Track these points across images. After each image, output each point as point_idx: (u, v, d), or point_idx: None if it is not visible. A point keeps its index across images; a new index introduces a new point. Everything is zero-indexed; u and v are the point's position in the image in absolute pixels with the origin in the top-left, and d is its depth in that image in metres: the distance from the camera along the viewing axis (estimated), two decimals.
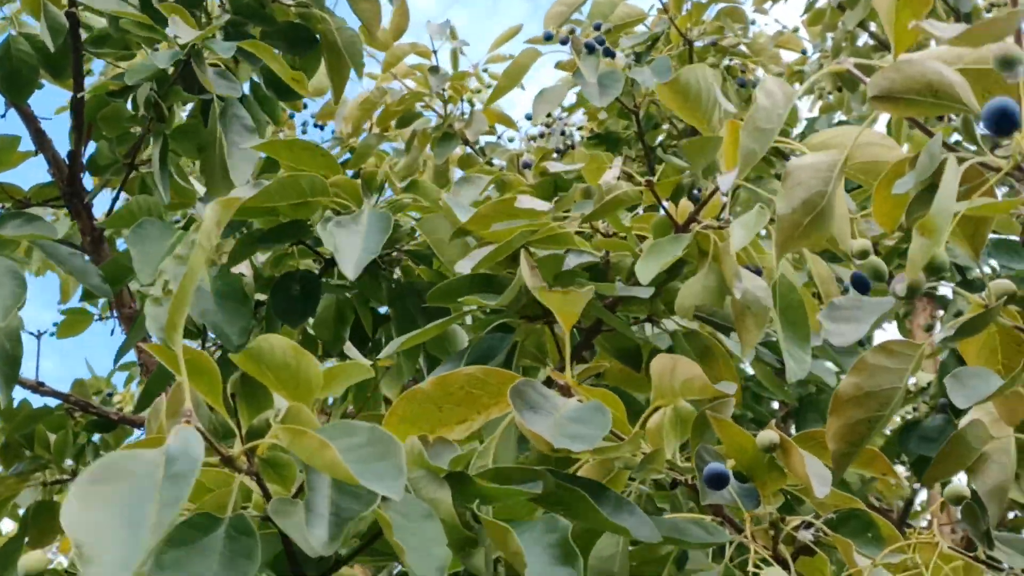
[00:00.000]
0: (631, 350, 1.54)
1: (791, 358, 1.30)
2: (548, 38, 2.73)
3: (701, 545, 1.09)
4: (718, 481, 1.05)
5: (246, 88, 2.24)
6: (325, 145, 4.13)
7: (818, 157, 0.96)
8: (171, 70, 1.95)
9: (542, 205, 1.47)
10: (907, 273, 0.81)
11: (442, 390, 1.11)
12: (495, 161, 3.30)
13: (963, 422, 1.02)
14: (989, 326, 1.00)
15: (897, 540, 1.08)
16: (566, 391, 1.13)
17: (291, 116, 4.13)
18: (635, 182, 1.43)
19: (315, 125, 4.11)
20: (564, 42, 2.72)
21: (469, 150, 3.25)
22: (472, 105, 3.14)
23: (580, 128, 3.36)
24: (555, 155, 3.21)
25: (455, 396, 1.11)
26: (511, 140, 3.62)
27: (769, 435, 1.06)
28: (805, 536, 1.12)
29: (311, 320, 1.92)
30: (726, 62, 3.10)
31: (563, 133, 3.24)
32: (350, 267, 1.49)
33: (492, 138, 3.40)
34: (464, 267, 1.46)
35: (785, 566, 1.11)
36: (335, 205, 1.64)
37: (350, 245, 1.49)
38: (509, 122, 3.27)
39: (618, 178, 1.53)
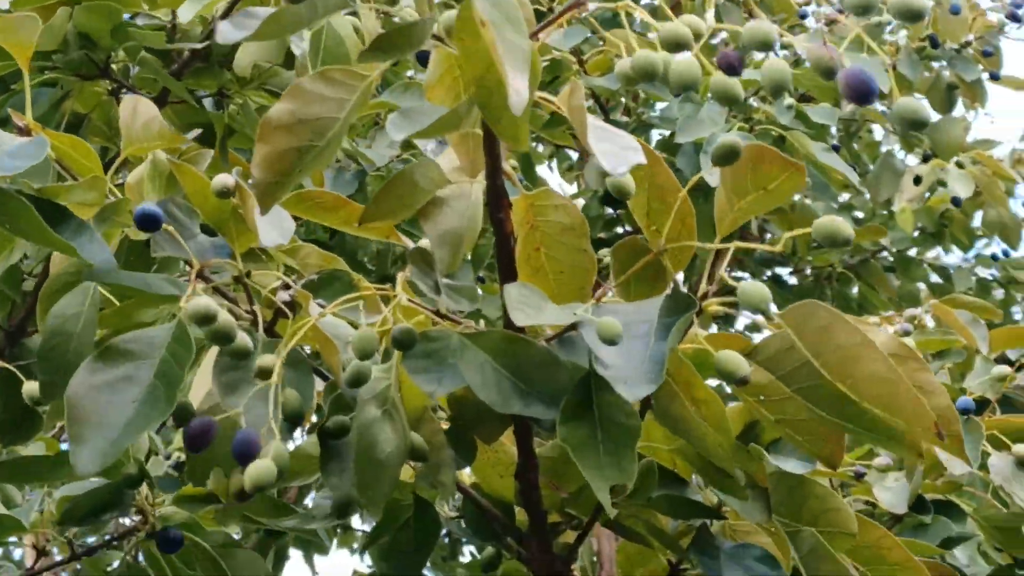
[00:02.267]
0: (202, 127, 1.44)
1: None
2: None
3: (160, 299, 1.02)
4: (148, 222, 0.97)
5: None
6: None
7: None
8: None
9: None
10: None
11: None
12: None
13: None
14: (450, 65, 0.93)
15: (374, 301, 1.03)
16: (26, 132, 1.02)
17: None
18: None
19: None
20: None
21: None
22: None
23: None
24: None
25: None
26: None
27: (223, 179, 0.98)
28: (283, 296, 1.05)
29: None
30: None
31: None
32: None
33: None
34: None
35: (265, 328, 1.05)
36: None
37: None
38: None
39: None
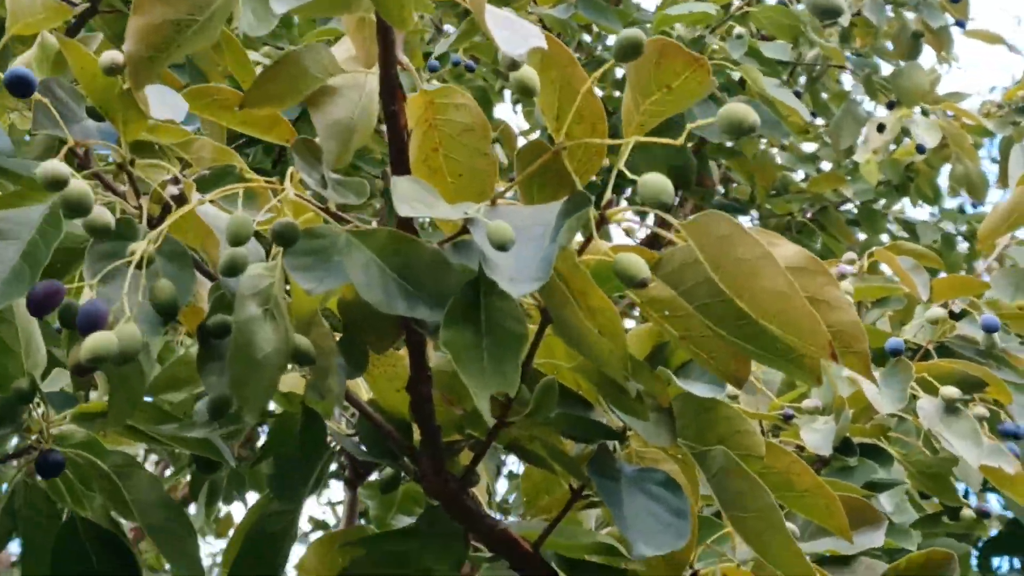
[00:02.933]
0: None
1: None
2: None
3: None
4: (18, 85, 0.91)
5: None
6: None
7: None
8: None
9: None
10: None
11: None
12: None
13: None
14: None
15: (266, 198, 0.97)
16: None
17: None
18: None
19: None
20: None
21: None
22: None
23: None
24: None
25: None
26: None
27: (112, 55, 0.92)
28: (172, 191, 1.00)
29: None
30: None
31: None
32: None
33: None
34: None
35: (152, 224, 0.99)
36: None
37: None
38: None
39: None
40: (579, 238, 0.95)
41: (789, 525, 1.09)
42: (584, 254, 0.95)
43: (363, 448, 1.08)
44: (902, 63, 2.57)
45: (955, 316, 1.65)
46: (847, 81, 2.99)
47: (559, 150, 0.91)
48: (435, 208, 0.87)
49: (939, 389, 1.39)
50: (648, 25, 2.16)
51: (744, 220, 2.95)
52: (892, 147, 2.66)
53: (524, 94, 0.92)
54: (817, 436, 1.43)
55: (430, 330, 0.87)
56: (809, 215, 2.88)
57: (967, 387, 1.46)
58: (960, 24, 2.58)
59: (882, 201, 2.93)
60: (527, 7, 2.23)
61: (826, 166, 3.01)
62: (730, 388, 1.66)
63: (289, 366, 0.95)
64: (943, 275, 1.82)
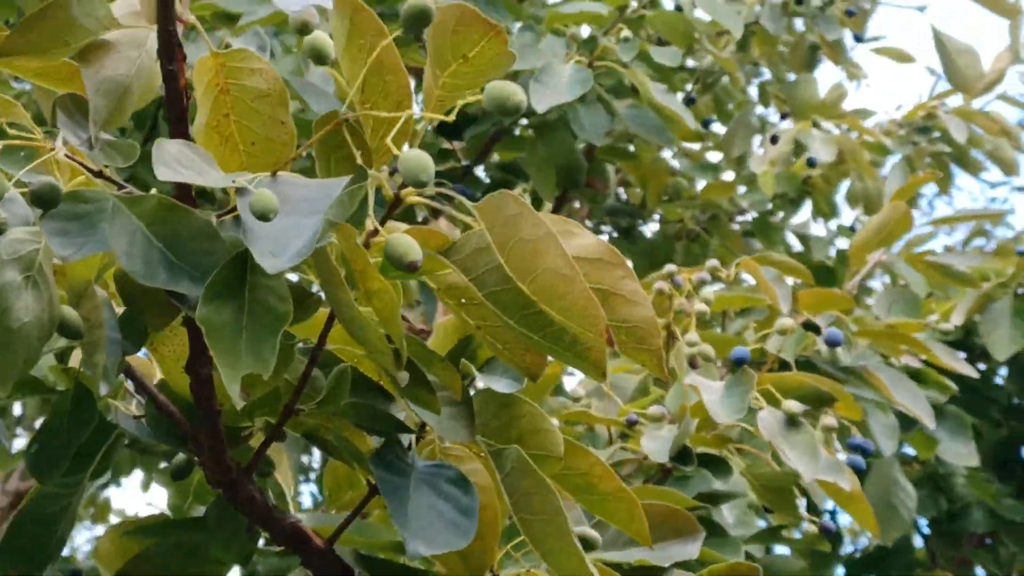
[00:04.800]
0: None
1: None
2: None
3: None
4: None
5: None
6: None
7: None
8: None
9: None
10: None
11: None
12: None
13: None
14: None
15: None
16: None
17: None
18: None
19: None
20: None
21: None
22: None
23: None
24: None
25: None
26: None
27: None
28: None
29: None
30: None
31: None
32: None
33: None
34: None
35: None
36: None
37: None
38: None
39: None
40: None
41: (593, 533, 1.05)
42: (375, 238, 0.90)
43: (150, 432, 1.03)
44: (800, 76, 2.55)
45: (817, 330, 1.62)
46: (754, 92, 2.97)
47: (342, 121, 0.85)
48: (204, 175, 0.81)
49: (781, 402, 1.35)
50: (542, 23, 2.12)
51: (643, 227, 2.92)
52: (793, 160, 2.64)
53: (316, 59, 0.87)
54: (656, 443, 1.40)
55: (191, 305, 0.82)
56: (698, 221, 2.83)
57: (815, 401, 1.43)
58: (858, 38, 2.57)
59: (780, 214, 2.91)
60: None
61: (730, 176, 2.98)
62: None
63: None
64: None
